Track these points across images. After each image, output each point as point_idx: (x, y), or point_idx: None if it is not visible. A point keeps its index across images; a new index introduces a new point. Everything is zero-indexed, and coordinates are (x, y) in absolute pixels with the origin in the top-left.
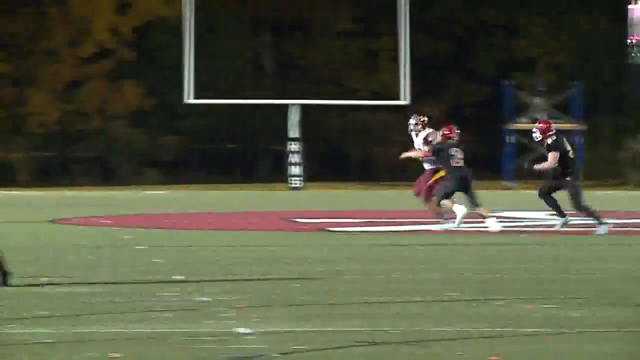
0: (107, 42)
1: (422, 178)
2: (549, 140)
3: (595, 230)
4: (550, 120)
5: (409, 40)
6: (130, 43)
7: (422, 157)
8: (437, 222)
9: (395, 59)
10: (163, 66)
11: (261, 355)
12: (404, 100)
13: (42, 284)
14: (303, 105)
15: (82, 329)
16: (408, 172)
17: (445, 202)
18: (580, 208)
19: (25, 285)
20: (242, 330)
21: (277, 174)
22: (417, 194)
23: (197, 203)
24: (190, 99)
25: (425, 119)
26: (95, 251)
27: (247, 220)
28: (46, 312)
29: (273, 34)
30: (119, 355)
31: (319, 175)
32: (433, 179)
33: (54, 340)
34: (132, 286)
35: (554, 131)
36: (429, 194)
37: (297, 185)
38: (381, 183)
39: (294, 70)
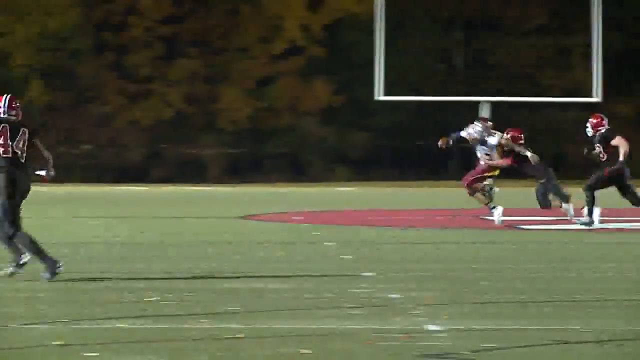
0: (298, 39)
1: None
2: (603, 130)
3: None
4: (602, 115)
5: (601, 37)
6: (321, 40)
7: (505, 164)
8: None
9: (587, 56)
10: (353, 63)
11: (451, 353)
12: (595, 98)
13: (228, 278)
14: (493, 103)
15: (273, 325)
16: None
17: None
18: (587, 189)
19: (214, 278)
20: (431, 327)
21: (466, 171)
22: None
23: (386, 200)
24: (380, 96)
25: (491, 123)
26: (285, 247)
27: (436, 218)
28: (237, 307)
29: (464, 31)
30: (309, 352)
31: (509, 173)
32: (489, 174)
33: (245, 336)
34: (322, 282)
35: (606, 126)
36: (473, 186)
37: (487, 183)
38: (573, 181)
39: (484, 67)
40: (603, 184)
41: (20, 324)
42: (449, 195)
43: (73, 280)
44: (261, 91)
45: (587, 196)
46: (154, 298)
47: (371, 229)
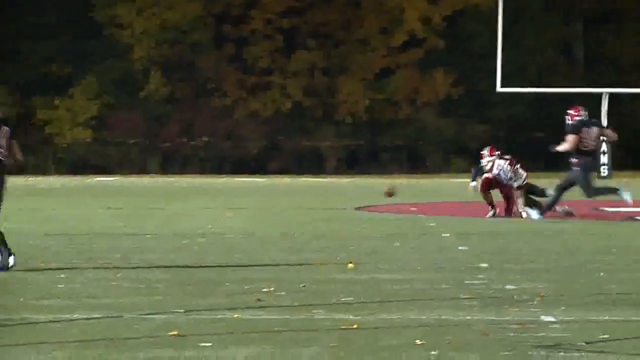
0: (418, 31)
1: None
2: (569, 123)
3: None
4: (581, 107)
5: None
6: (441, 32)
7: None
8: None
9: None
10: (473, 55)
11: (566, 344)
12: None
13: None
14: (611, 94)
15: (387, 316)
16: None
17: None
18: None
19: (330, 269)
20: (547, 318)
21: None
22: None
23: None
24: (501, 88)
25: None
26: (401, 238)
27: (554, 210)
28: (351, 298)
29: (584, 23)
30: (423, 342)
31: (627, 165)
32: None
33: (359, 327)
34: (437, 273)
35: (581, 117)
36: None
37: (605, 174)
38: None
39: (604, 60)
40: (588, 175)
41: (137, 314)
42: None
43: (189, 268)
44: (380, 83)
45: (594, 195)
46: (269, 289)
47: (487, 221)
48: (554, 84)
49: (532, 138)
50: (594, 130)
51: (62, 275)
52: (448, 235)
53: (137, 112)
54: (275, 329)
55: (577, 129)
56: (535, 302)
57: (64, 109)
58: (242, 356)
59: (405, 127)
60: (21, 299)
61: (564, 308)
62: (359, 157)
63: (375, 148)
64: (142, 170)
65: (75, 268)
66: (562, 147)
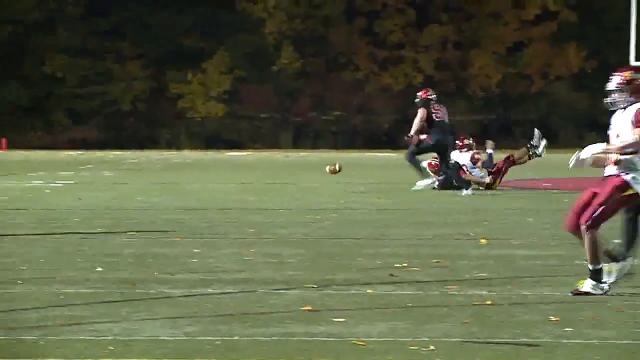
0: (550, 4)
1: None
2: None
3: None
4: (429, 89)
5: None
6: (573, 5)
7: None
8: None
9: None
10: (607, 27)
11: None
12: None
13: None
14: None
15: (521, 291)
16: None
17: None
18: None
19: (462, 245)
20: None
21: None
22: None
23: None
24: (635, 61)
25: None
26: (534, 214)
27: None
28: (485, 274)
29: None
30: (558, 319)
31: None
32: None
33: (492, 303)
34: (571, 249)
35: (426, 97)
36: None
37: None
38: None
39: None
40: (425, 150)
41: (270, 289)
42: None
43: (322, 243)
44: (512, 57)
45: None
46: (402, 264)
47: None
48: None
49: None
50: (443, 107)
51: (197, 250)
52: None
53: (268, 86)
54: (409, 304)
55: (426, 103)
56: None
57: (197, 83)
58: (376, 332)
59: (537, 101)
60: (156, 273)
61: None
62: (491, 131)
63: (507, 122)
64: (274, 145)
65: (210, 242)
66: (415, 125)
